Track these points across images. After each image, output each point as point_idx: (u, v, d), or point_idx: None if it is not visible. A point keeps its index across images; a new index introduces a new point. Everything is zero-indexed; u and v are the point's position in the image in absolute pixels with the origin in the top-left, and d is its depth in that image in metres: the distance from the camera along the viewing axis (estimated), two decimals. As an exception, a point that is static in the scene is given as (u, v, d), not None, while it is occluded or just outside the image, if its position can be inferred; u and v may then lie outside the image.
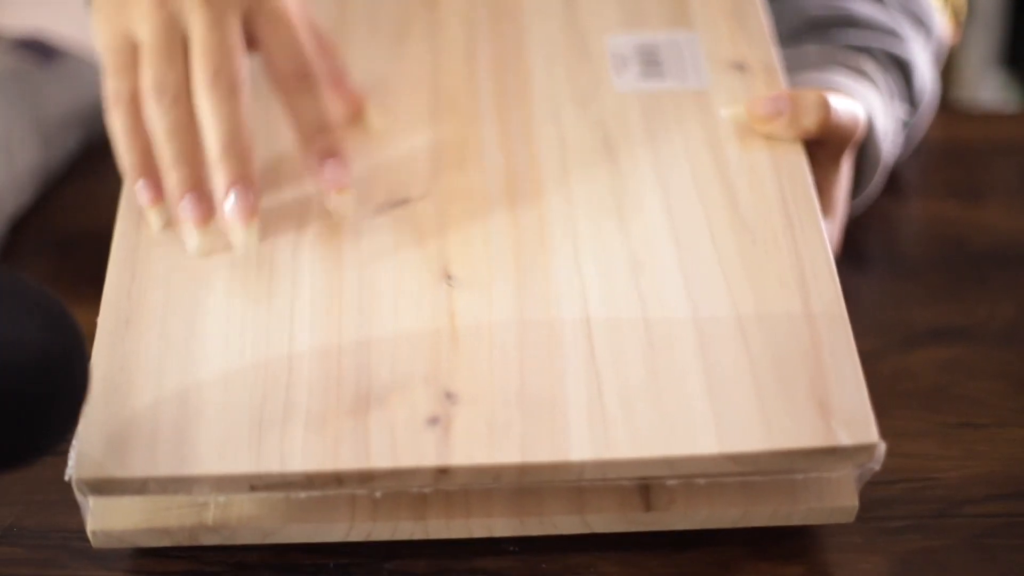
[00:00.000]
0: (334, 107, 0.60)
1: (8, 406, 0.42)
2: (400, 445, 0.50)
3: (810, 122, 0.60)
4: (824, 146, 0.61)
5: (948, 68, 1.20)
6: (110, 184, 0.62)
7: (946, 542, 0.56)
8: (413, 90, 0.64)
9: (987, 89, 1.47)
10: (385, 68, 0.65)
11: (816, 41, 0.71)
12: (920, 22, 0.73)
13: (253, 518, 0.53)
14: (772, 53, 0.64)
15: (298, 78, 0.57)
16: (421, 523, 0.53)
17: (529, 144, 0.61)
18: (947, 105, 0.82)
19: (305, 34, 0.58)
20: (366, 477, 0.50)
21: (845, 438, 0.50)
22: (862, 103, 0.65)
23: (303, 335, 0.54)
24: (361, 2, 0.68)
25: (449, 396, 0.52)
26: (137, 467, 0.50)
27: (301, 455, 0.50)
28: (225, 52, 0.55)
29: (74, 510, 0.52)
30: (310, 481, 0.50)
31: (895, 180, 0.75)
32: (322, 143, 0.57)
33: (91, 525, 0.53)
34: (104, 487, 0.50)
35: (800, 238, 0.57)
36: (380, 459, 0.50)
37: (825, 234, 0.57)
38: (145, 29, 0.56)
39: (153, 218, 0.57)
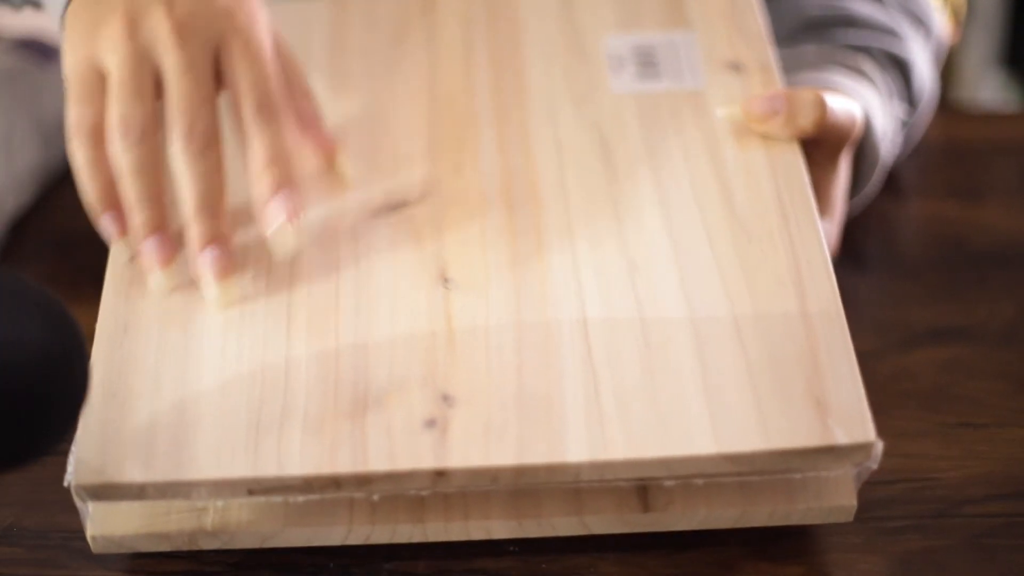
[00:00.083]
0: (305, 152, 0.59)
1: (8, 406, 0.42)
2: (397, 448, 0.50)
3: (806, 121, 0.60)
4: (821, 145, 0.61)
5: (948, 68, 1.20)
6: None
7: (946, 542, 0.56)
8: (411, 92, 0.64)
9: (987, 89, 1.47)
10: (383, 70, 0.65)
11: (814, 41, 0.71)
12: (919, 21, 0.73)
13: (252, 522, 0.53)
14: (768, 53, 0.64)
15: (258, 110, 0.55)
16: (419, 526, 0.53)
17: (526, 146, 0.61)
18: (947, 105, 0.82)
19: (273, 71, 0.56)
20: (363, 480, 0.50)
21: (842, 437, 0.50)
22: (860, 102, 0.65)
23: (300, 338, 0.54)
24: (358, 4, 0.68)
25: (446, 398, 0.52)
26: (135, 472, 0.50)
27: (299, 459, 0.50)
28: (200, 101, 0.54)
29: (74, 510, 0.52)
30: (308, 485, 0.50)
31: (895, 180, 0.75)
32: (271, 175, 0.55)
33: (91, 530, 0.53)
34: (103, 492, 0.50)
35: (796, 237, 0.57)
36: (377, 462, 0.50)
37: (821, 233, 0.57)
38: (114, 60, 0.54)
39: (119, 251, 0.56)
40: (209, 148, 0.54)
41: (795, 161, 0.60)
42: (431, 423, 0.51)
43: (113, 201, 0.55)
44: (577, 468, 0.50)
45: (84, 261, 0.65)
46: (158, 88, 0.54)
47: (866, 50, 0.70)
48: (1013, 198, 0.76)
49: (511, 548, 0.55)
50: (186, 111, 0.53)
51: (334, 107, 0.63)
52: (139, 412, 0.52)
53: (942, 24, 0.76)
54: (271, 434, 0.51)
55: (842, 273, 0.56)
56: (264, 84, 0.55)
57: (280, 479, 0.50)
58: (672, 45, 0.65)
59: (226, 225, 0.55)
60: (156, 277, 0.55)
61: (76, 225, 0.74)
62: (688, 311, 0.54)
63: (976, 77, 1.46)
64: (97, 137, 0.54)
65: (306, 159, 0.59)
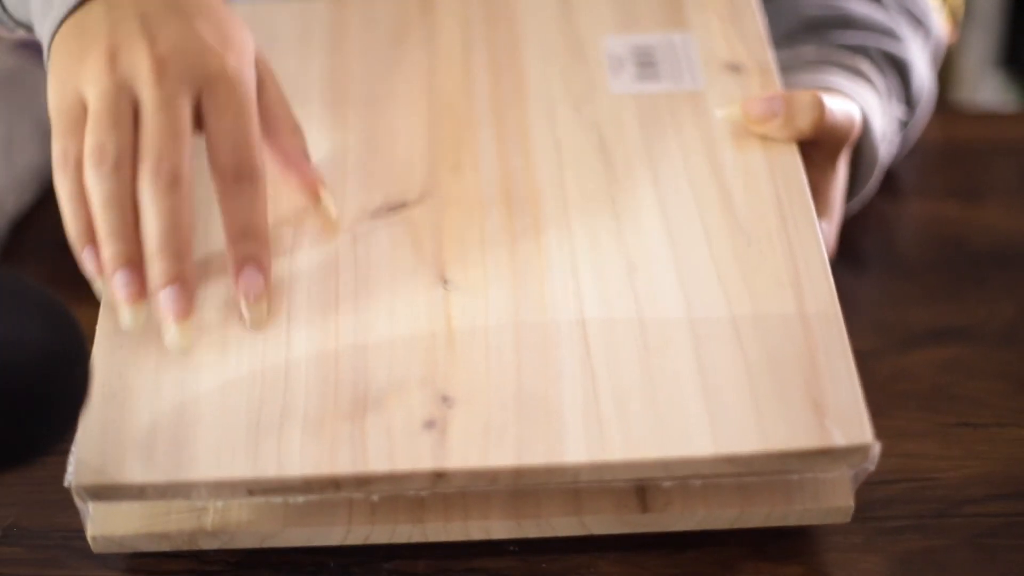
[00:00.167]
0: (290, 189, 0.58)
1: (8, 406, 0.42)
2: (397, 449, 0.51)
3: (805, 123, 0.60)
4: (819, 146, 0.61)
5: (947, 69, 1.19)
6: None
7: (946, 542, 0.56)
8: (409, 93, 0.64)
9: (986, 89, 1.47)
10: (382, 71, 0.65)
11: (813, 41, 0.70)
12: (918, 22, 0.73)
13: (251, 522, 0.53)
14: (767, 54, 0.64)
15: (235, 175, 0.54)
16: (419, 526, 0.53)
17: (525, 146, 0.61)
18: (946, 105, 0.82)
19: (255, 121, 0.55)
20: (363, 481, 0.50)
21: (839, 438, 0.50)
22: (858, 103, 0.65)
23: (300, 339, 0.54)
24: (357, 6, 0.68)
25: (445, 399, 0.52)
26: (135, 472, 0.50)
27: (298, 459, 0.50)
28: (172, 136, 0.52)
29: (74, 510, 0.52)
30: (307, 485, 0.50)
31: (894, 180, 0.75)
32: (244, 249, 0.54)
33: (91, 530, 0.53)
34: (103, 493, 0.50)
35: (795, 238, 0.57)
36: (377, 463, 0.50)
37: (820, 234, 0.57)
38: (93, 92, 0.53)
39: (98, 287, 0.54)
40: (175, 185, 0.52)
41: (793, 162, 0.60)
42: (430, 424, 0.51)
43: (93, 236, 0.53)
44: (576, 469, 0.50)
45: (84, 261, 0.65)
46: (137, 121, 0.53)
47: (864, 51, 0.70)
48: (1012, 198, 0.76)
49: (511, 548, 0.55)
50: (155, 147, 0.52)
51: (332, 108, 0.63)
52: (139, 412, 0.52)
53: (940, 24, 0.76)
54: (271, 434, 0.51)
55: (842, 274, 0.56)
56: (243, 144, 0.54)
57: (280, 480, 0.50)
58: (671, 46, 0.65)
59: (189, 264, 0.53)
60: (124, 314, 0.53)
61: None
62: (687, 312, 0.54)
63: (975, 78, 1.46)
64: (79, 170, 0.53)
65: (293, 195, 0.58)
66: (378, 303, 0.55)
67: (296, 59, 0.65)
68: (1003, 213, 0.74)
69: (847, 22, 0.71)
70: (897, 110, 0.71)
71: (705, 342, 0.53)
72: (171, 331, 0.53)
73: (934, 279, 0.70)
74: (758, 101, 0.60)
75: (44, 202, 0.76)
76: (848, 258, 0.68)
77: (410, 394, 0.52)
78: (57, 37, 0.55)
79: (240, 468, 0.50)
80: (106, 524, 0.53)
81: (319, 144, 0.61)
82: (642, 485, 0.53)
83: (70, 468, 0.51)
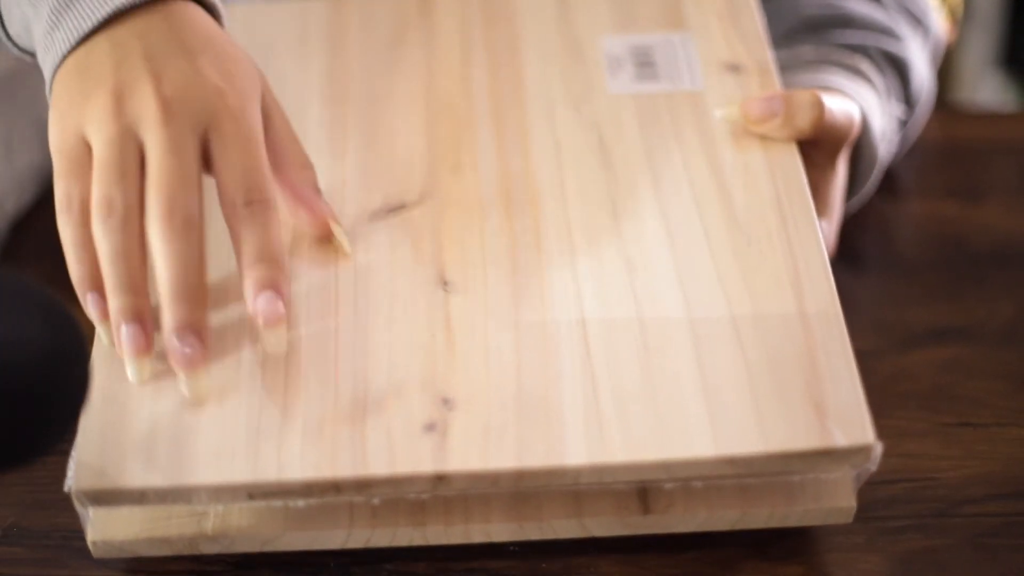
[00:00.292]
0: (302, 224, 0.57)
1: (9, 406, 0.42)
2: (397, 452, 0.50)
3: (804, 122, 0.60)
4: (819, 146, 0.61)
5: (947, 69, 1.20)
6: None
7: (946, 542, 0.56)
8: (408, 94, 0.64)
9: (986, 89, 1.47)
10: (380, 73, 0.65)
11: (812, 41, 0.70)
12: (917, 21, 0.73)
13: (252, 526, 0.53)
14: (766, 53, 0.64)
15: (245, 201, 0.53)
16: (420, 529, 0.53)
17: (524, 148, 0.61)
18: (946, 105, 0.82)
19: (263, 155, 0.54)
20: (363, 485, 0.50)
21: (841, 439, 0.50)
22: (858, 103, 0.65)
23: (299, 342, 0.54)
24: (356, 7, 0.68)
25: (446, 402, 0.52)
26: (136, 477, 0.50)
27: (299, 463, 0.50)
28: (181, 181, 0.51)
29: (74, 510, 0.52)
30: (308, 489, 0.50)
31: (893, 180, 0.75)
32: (259, 273, 0.53)
33: (91, 535, 0.53)
34: (103, 498, 0.50)
35: (795, 238, 0.57)
36: (377, 466, 0.50)
37: (820, 234, 0.57)
38: (99, 139, 0.52)
39: (103, 333, 0.54)
40: (187, 231, 0.51)
41: (793, 162, 0.60)
42: (431, 427, 0.51)
43: (98, 282, 0.52)
44: (577, 471, 0.50)
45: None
46: (144, 166, 0.52)
47: (864, 50, 0.70)
48: (1012, 198, 0.76)
49: (511, 547, 0.55)
50: (166, 193, 0.51)
51: (331, 109, 0.63)
52: (139, 417, 0.52)
53: (940, 23, 0.76)
54: (271, 438, 0.51)
55: (842, 273, 0.56)
56: (253, 173, 0.53)
57: (280, 483, 0.50)
58: (670, 46, 0.65)
59: (202, 311, 0.52)
60: (129, 368, 0.52)
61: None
62: (687, 312, 0.54)
63: (975, 77, 1.46)
64: (84, 215, 0.52)
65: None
66: (377, 305, 0.55)
67: (295, 60, 0.65)
68: (1003, 213, 0.74)
69: (846, 21, 0.71)
70: (896, 109, 0.71)
71: (705, 342, 0.53)
72: (181, 379, 0.52)
73: (934, 279, 0.70)
74: (757, 101, 0.60)
75: (44, 202, 0.76)
76: (848, 258, 0.68)
77: (410, 396, 0.52)
78: (60, 73, 0.54)
79: (240, 472, 0.50)
80: (106, 529, 0.53)
81: (318, 146, 0.61)
82: (643, 487, 0.53)
83: (70, 473, 0.51)
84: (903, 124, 0.72)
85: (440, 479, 0.50)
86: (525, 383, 0.52)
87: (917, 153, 0.76)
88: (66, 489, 0.51)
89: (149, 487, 0.50)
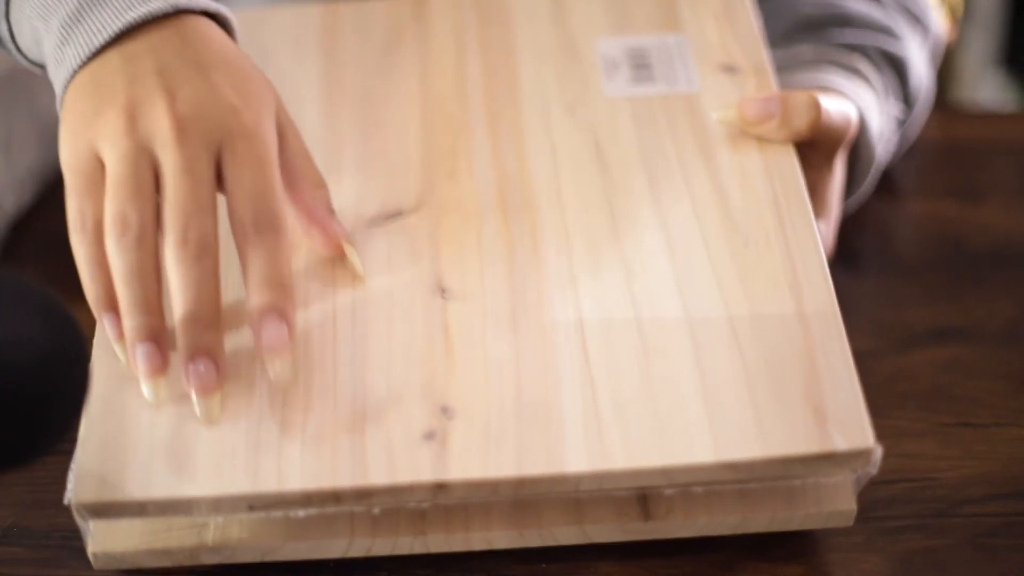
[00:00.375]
0: (315, 245, 0.56)
1: (8, 406, 0.42)
2: (397, 461, 0.50)
3: (801, 123, 0.60)
4: (816, 147, 0.61)
5: (947, 68, 1.19)
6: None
7: (946, 542, 0.56)
8: (403, 99, 0.64)
9: (986, 89, 1.46)
10: (375, 78, 0.65)
11: (810, 40, 0.70)
12: (916, 20, 0.73)
13: (253, 537, 0.53)
14: (763, 54, 0.64)
15: (255, 225, 0.52)
16: (420, 538, 0.53)
17: (520, 152, 0.61)
18: (945, 105, 0.82)
19: (276, 176, 0.53)
20: (364, 494, 0.50)
21: (841, 443, 0.50)
22: (856, 103, 0.65)
23: (298, 351, 0.54)
24: (351, 12, 0.68)
25: (445, 410, 0.52)
26: (135, 489, 0.50)
27: (298, 473, 0.50)
28: (197, 203, 0.51)
29: (74, 510, 0.52)
30: (308, 499, 0.50)
31: (892, 180, 0.74)
32: (266, 298, 0.52)
33: (92, 547, 0.53)
34: (103, 510, 0.50)
35: (792, 239, 0.57)
36: (377, 476, 0.50)
37: (817, 235, 0.57)
38: (112, 156, 0.51)
39: (119, 353, 0.53)
40: (203, 255, 0.51)
41: (790, 163, 0.59)
42: (430, 435, 0.51)
43: (113, 302, 0.52)
44: (577, 478, 0.50)
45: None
46: (159, 182, 0.52)
47: (862, 49, 0.70)
48: (1012, 198, 0.76)
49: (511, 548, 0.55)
50: (181, 216, 0.51)
51: (327, 115, 0.63)
52: (139, 429, 0.52)
53: (939, 23, 0.75)
54: (271, 449, 0.51)
55: (841, 274, 0.56)
56: (265, 195, 0.52)
57: (280, 494, 0.50)
58: (666, 47, 0.65)
59: (217, 334, 0.52)
60: (145, 387, 0.52)
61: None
62: (685, 315, 0.54)
63: (975, 77, 1.46)
64: (98, 233, 0.52)
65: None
66: (376, 313, 0.55)
67: (290, 65, 0.65)
68: (1002, 213, 0.74)
69: (844, 20, 0.71)
70: (895, 109, 0.70)
71: (704, 345, 0.53)
72: (196, 404, 0.52)
73: (933, 279, 0.70)
74: (754, 102, 0.60)
75: (44, 202, 0.76)
76: (846, 258, 0.68)
77: (409, 405, 0.52)
78: (71, 88, 0.54)
79: (240, 483, 0.50)
80: (107, 540, 0.53)
81: (314, 151, 0.61)
82: (644, 493, 0.53)
83: (70, 485, 0.51)
84: (901, 123, 0.72)
85: (440, 488, 0.50)
86: (524, 390, 0.52)
87: (916, 153, 0.76)
88: (66, 502, 0.51)
89: (149, 499, 0.50)
